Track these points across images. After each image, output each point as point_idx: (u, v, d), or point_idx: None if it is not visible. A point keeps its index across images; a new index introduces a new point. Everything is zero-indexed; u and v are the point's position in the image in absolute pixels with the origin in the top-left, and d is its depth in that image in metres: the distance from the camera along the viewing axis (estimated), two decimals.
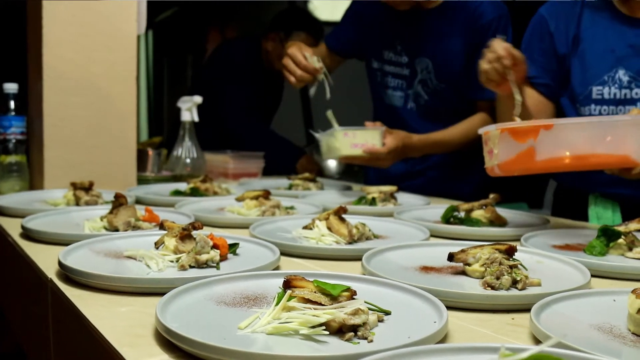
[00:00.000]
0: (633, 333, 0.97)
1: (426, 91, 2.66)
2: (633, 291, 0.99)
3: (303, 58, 2.56)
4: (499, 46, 1.86)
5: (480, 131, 1.72)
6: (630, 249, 1.49)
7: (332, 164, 3.92)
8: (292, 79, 2.60)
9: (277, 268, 1.33)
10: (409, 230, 1.73)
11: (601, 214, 2.12)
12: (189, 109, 2.65)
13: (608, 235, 1.50)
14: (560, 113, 2.17)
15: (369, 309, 0.97)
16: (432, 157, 2.72)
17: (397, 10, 2.59)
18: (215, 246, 1.33)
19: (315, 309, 0.93)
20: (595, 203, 2.14)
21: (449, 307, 1.02)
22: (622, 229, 1.51)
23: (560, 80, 2.17)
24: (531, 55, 2.16)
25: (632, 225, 1.52)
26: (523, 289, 1.18)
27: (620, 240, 1.50)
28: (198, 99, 2.65)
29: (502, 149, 1.66)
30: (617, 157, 1.62)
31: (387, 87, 2.76)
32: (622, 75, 2.01)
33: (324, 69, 2.56)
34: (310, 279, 1.00)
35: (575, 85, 2.11)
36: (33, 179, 2.38)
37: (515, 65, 1.87)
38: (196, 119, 2.67)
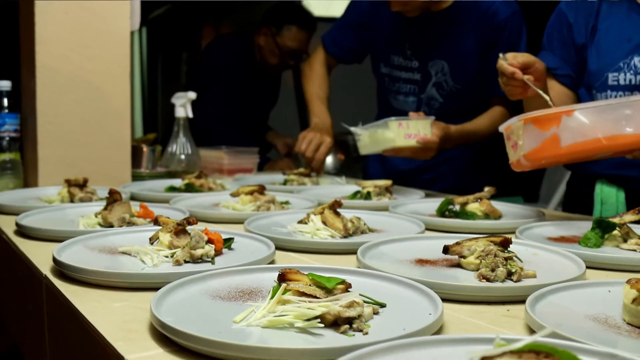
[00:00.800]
0: (628, 323, 0.97)
1: (441, 94, 2.66)
2: (628, 281, 0.99)
3: (324, 154, 2.71)
4: (504, 67, 1.87)
5: (501, 128, 1.74)
6: (625, 241, 1.49)
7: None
8: (302, 148, 2.72)
9: (272, 262, 1.32)
10: (404, 223, 1.73)
11: (606, 198, 2.14)
12: (183, 105, 2.65)
13: (603, 227, 1.50)
14: (579, 102, 2.18)
15: (364, 301, 0.97)
16: (446, 152, 2.71)
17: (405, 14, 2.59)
18: (210, 241, 1.33)
19: (310, 301, 0.93)
20: (601, 187, 2.15)
21: (444, 300, 1.02)
22: (616, 220, 1.51)
23: (580, 71, 2.19)
24: (552, 47, 2.21)
25: (627, 217, 1.53)
26: (518, 280, 1.18)
27: (615, 232, 1.50)
28: (192, 95, 2.64)
29: (526, 140, 1.66)
30: None
31: (398, 93, 2.75)
32: (637, 62, 2.02)
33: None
34: (305, 273, 1.00)
35: (592, 73, 2.13)
36: (27, 176, 2.37)
37: (529, 68, 1.88)
38: (190, 115, 2.66)
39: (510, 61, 1.87)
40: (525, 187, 3.83)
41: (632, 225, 1.55)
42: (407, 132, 2.28)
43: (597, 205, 2.15)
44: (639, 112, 1.61)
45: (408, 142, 2.28)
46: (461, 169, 2.80)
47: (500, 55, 1.90)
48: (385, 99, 2.83)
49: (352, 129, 2.39)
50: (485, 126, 2.61)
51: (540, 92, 1.87)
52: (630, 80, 2.03)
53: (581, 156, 1.70)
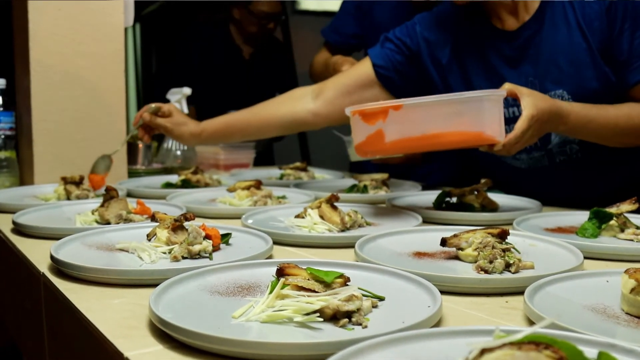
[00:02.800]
0: (627, 313, 0.97)
1: None
2: (626, 271, 0.99)
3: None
4: None
5: (347, 111, 1.69)
6: (622, 230, 1.49)
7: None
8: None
9: (270, 257, 1.32)
10: (402, 216, 1.73)
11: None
12: (178, 100, 2.65)
13: (600, 217, 1.51)
14: None
15: (363, 295, 0.97)
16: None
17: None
18: (207, 237, 1.33)
19: (309, 296, 0.93)
20: None
21: (442, 292, 1.02)
22: (613, 210, 1.51)
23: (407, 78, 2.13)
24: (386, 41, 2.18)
25: (624, 207, 1.53)
26: (516, 272, 1.18)
27: (612, 222, 1.50)
28: (187, 90, 2.64)
29: (355, 132, 1.67)
30: (471, 135, 1.56)
31: None
32: None
33: None
34: (304, 267, 1.00)
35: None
36: (23, 174, 2.36)
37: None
38: (186, 110, 2.66)
39: None
40: None
41: (629, 215, 1.55)
42: None
43: None
44: (474, 108, 1.56)
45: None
46: (455, 162, 2.78)
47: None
48: None
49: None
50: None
51: None
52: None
53: (409, 151, 1.74)
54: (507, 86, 1.64)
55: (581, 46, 1.81)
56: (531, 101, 1.61)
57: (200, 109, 3.58)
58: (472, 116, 1.56)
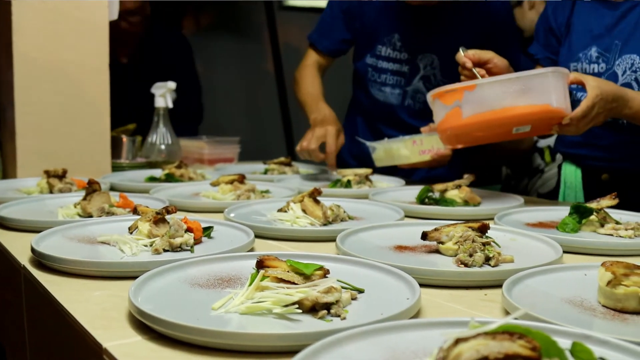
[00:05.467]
0: (603, 305, 0.98)
1: (428, 87, 2.58)
2: (603, 264, 1.00)
3: (335, 148, 2.42)
4: (458, 57, 2.02)
5: (428, 98, 1.93)
6: (602, 225, 1.51)
7: None
8: (313, 146, 2.41)
9: (251, 250, 1.33)
10: (384, 211, 1.73)
11: (567, 178, 2.25)
12: (162, 95, 2.64)
13: (580, 212, 1.52)
14: None
15: (342, 287, 0.98)
16: None
17: (398, 5, 2.55)
18: (189, 230, 1.33)
19: (288, 287, 0.94)
20: (564, 167, 2.28)
21: (423, 285, 1.03)
22: (593, 205, 1.52)
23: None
24: (537, 37, 2.35)
25: (604, 202, 1.54)
26: (496, 265, 1.19)
27: (593, 217, 1.52)
28: (172, 84, 2.63)
29: (435, 114, 1.92)
30: (539, 107, 1.73)
31: (383, 85, 2.68)
32: (593, 52, 2.10)
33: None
34: (284, 259, 1.00)
35: (560, 63, 2.21)
36: (6, 168, 2.36)
37: (487, 64, 2.00)
38: (170, 105, 2.65)
39: (466, 53, 2.01)
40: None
41: (609, 210, 1.56)
42: (421, 148, 2.26)
43: (562, 185, 2.23)
44: (540, 83, 1.73)
45: (423, 157, 2.26)
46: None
47: (461, 48, 2.03)
48: (365, 90, 2.74)
49: (367, 143, 2.39)
50: None
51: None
52: (585, 69, 2.11)
53: (482, 127, 1.80)
54: (573, 75, 1.80)
55: None
56: (596, 84, 1.75)
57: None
58: (539, 90, 1.73)
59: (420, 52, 2.59)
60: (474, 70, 1.97)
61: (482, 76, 1.96)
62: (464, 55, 2.00)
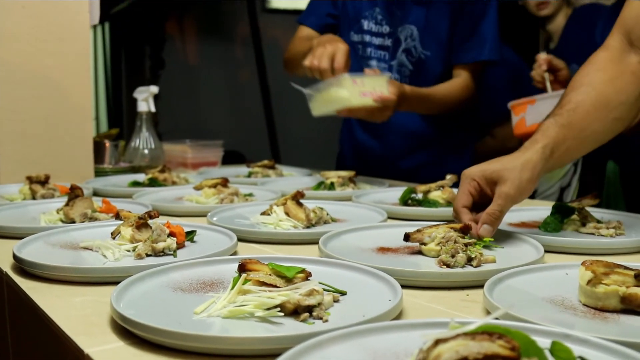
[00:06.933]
0: (584, 304, 0.99)
1: (410, 60, 2.56)
2: (583, 263, 1.01)
3: (344, 62, 2.20)
4: (537, 56, 2.51)
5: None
6: (584, 225, 1.51)
7: None
8: (315, 63, 2.22)
9: (234, 254, 1.33)
10: (367, 213, 1.74)
11: (610, 174, 2.44)
12: (145, 99, 2.64)
13: (562, 212, 1.53)
14: None
15: (324, 289, 0.98)
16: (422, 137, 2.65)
17: None
18: (172, 234, 1.33)
19: (270, 291, 0.94)
20: (608, 166, 2.46)
21: (405, 286, 1.04)
22: (575, 204, 1.53)
23: None
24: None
25: (585, 201, 1.55)
26: (478, 266, 1.19)
27: (574, 216, 1.53)
28: (154, 89, 2.63)
29: (512, 121, 2.48)
30: None
31: (369, 59, 2.63)
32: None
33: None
34: (266, 263, 1.01)
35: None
36: None
37: (557, 70, 2.50)
38: (153, 109, 2.65)
39: (544, 57, 2.50)
40: None
41: (590, 209, 1.57)
42: (362, 89, 2.09)
43: (606, 183, 2.46)
44: None
45: (364, 100, 2.08)
46: (441, 156, 2.72)
47: (542, 52, 2.52)
48: (357, 68, 2.56)
49: (304, 90, 2.21)
50: (442, 92, 2.50)
51: (548, 87, 2.52)
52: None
53: None
54: None
55: None
56: None
57: None
58: None
59: (400, 24, 2.55)
60: (545, 75, 2.44)
61: (551, 80, 2.49)
62: (542, 59, 2.50)
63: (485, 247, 1.32)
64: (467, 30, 2.51)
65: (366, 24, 2.62)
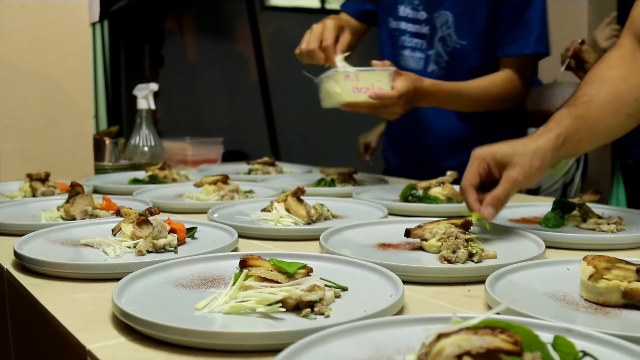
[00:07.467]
0: (585, 299, 0.99)
1: (446, 50, 2.37)
2: (584, 258, 1.01)
3: (333, 39, 2.10)
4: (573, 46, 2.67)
5: None
6: (585, 220, 1.51)
7: None
8: (304, 47, 2.14)
9: (235, 250, 1.33)
10: (368, 209, 1.74)
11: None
12: (145, 96, 2.64)
13: (563, 208, 1.53)
14: None
15: (326, 285, 0.98)
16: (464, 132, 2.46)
17: None
18: (172, 230, 1.33)
19: (271, 286, 0.94)
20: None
21: (406, 282, 1.03)
22: (576, 200, 1.53)
23: None
24: None
25: (586, 197, 1.55)
26: (479, 261, 1.19)
27: (575, 212, 1.52)
28: (154, 86, 2.63)
29: None
30: None
31: (403, 48, 2.44)
32: None
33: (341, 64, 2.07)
34: (267, 259, 1.00)
35: None
36: None
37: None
38: (153, 106, 2.65)
39: (577, 45, 2.59)
40: None
41: (591, 205, 1.57)
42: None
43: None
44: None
45: (357, 97, 1.95)
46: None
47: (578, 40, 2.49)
48: (392, 58, 2.38)
49: (314, 78, 2.08)
50: (477, 88, 2.29)
51: (561, 70, 2.70)
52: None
53: None
54: None
55: None
56: None
57: None
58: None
59: (436, 10, 2.36)
60: (567, 60, 2.58)
61: (572, 66, 2.64)
62: (573, 45, 2.61)
63: (482, 238, 1.32)
64: (511, 19, 2.28)
65: (402, 10, 2.44)
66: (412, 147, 2.58)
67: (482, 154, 1.39)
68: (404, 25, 2.43)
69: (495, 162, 1.38)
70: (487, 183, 1.41)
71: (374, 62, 2.02)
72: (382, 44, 2.54)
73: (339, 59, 2.08)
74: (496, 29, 2.30)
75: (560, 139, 1.39)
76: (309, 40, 2.13)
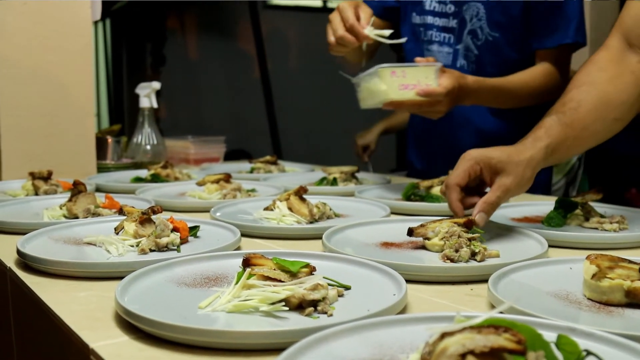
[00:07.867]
0: (588, 298, 0.99)
1: (476, 44, 2.27)
2: (587, 257, 1.01)
3: (354, 16, 1.99)
4: None
5: None
6: (587, 219, 1.51)
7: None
8: (332, 39, 2.03)
9: (238, 249, 1.33)
10: (370, 208, 1.74)
11: None
12: (147, 95, 2.64)
13: (565, 207, 1.53)
14: None
15: (329, 284, 0.98)
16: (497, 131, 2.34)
17: None
18: (175, 229, 1.33)
19: (274, 285, 0.94)
20: None
21: (409, 281, 1.03)
22: (578, 199, 1.53)
23: None
24: None
25: (589, 196, 1.55)
26: (482, 260, 1.19)
27: (577, 211, 1.52)
28: (156, 85, 2.63)
29: None
30: None
31: (430, 43, 2.35)
32: None
33: (374, 34, 1.98)
34: (270, 257, 1.00)
35: None
36: None
37: None
38: (155, 105, 2.65)
39: None
40: None
41: (593, 204, 1.57)
42: (403, 82, 1.86)
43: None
44: None
45: (404, 94, 1.86)
46: None
47: None
48: (419, 53, 2.36)
49: (352, 78, 2.01)
50: (518, 83, 2.17)
51: None
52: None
53: None
54: None
55: None
56: None
57: None
58: None
59: (465, 2, 2.26)
60: None
61: None
62: None
63: (485, 237, 1.32)
64: (548, 8, 2.16)
65: (428, 3, 2.34)
66: (441, 146, 2.47)
67: (476, 157, 1.39)
68: (430, 19, 2.35)
69: (489, 167, 1.37)
70: (472, 185, 1.41)
71: (418, 58, 1.94)
72: (407, 41, 2.39)
73: (368, 30, 1.98)
74: (531, 19, 2.20)
75: (549, 149, 1.40)
76: (334, 29, 2.02)
